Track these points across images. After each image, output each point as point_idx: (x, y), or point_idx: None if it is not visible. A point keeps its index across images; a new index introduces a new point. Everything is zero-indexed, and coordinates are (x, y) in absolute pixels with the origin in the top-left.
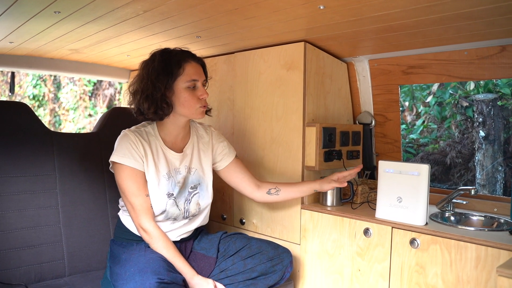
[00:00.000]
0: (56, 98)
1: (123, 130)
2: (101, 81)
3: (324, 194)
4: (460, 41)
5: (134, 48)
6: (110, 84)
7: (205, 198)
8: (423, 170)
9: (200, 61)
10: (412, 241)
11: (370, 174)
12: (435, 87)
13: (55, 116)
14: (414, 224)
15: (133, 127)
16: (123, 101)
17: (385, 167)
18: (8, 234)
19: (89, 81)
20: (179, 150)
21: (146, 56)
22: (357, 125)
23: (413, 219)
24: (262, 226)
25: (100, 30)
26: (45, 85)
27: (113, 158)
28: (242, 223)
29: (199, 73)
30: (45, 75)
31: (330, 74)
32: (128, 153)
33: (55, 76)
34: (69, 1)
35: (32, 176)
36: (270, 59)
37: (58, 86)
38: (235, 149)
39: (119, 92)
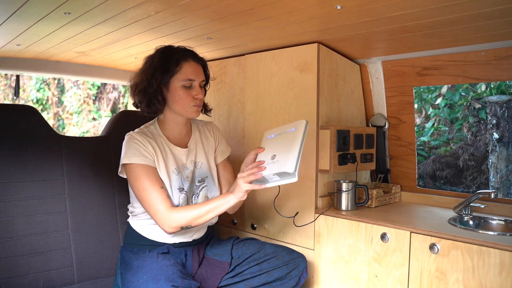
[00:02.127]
0: (59, 102)
1: (127, 133)
2: (105, 84)
3: (338, 198)
4: (478, 41)
5: (142, 50)
6: (114, 88)
7: (213, 190)
8: (300, 125)
9: (200, 62)
10: (432, 246)
11: (383, 177)
12: (444, 89)
13: (58, 120)
14: (283, 170)
15: (136, 129)
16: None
17: (267, 135)
18: (16, 241)
19: (93, 85)
20: (184, 145)
21: None
22: (371, 127)
23: (281, 167)
24: (274, 231)
25: (109, 31)
26: (49, 89)
27: (123, 160)
28: (254, 228)
29: (197, 73)
30: (48, 78)
31: (343, 76)
32: (137, 152)
33: (59, 80)
34: (80, 2)
35: (40, 181)
36: (282, 60)
37: (62, 90)
38: (247, 152)
39: (123, 96)
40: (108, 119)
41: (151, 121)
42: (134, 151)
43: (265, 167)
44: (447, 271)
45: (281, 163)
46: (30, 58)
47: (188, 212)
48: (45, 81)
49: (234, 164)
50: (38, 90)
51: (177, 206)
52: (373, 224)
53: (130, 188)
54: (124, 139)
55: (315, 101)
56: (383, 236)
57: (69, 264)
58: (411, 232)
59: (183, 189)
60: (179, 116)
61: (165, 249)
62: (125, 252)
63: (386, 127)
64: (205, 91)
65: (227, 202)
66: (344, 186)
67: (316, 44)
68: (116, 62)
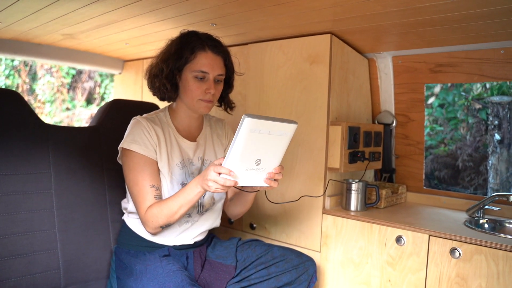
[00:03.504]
0: (31, 90)
1: (134, 117)
2: (80, 73)
3: (347, 198)
4: (499, 38)
5: (136, 35)
6: (90, 77)
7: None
8: (290, 131)
9: (221, 53)
10: (453, 251)
11: (388, 177)
12: (437, 88)
13: None
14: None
15: (144, 114)
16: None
17: (252, 125)
18: None
19: (67, 73)
20: (193, 139)
21: (146, 46)
22: (379, 125)
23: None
24: (276, 232)
25: (104, 12)
26: (19, 76)
27: (122, 144)
28: (253, 228)
29: (213, 65)
30: (19, 64)
31: (353, 70)
32: (139, 140)
33: (30, 66)
34: None
35: (24, 174)
36: (290, 51)
37: (33, 77)
38: None
39: (99, 86)
40: (82, 109)
41: (162, 108)
42: (137, 138)
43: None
44: (468, 277)
45: (265, 176)
46: (8, 39)
47: (161, 211)
48: (15, 67)
49: None
50: (7, 77)
51: None
52: (388, 226)
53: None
54: (116, 129)
55: (325, 95)
56: (398, 239)
57: (55, 267)
58: (429, 235)
59: (186, 184)
60: (189, 109)
61: (166, 251)
62: (121, 254)
63: (394, 124)
64: (231, 86)
65: (195, 193)
66: (354, 185)
67: (329, 34)
68: (104, 47)
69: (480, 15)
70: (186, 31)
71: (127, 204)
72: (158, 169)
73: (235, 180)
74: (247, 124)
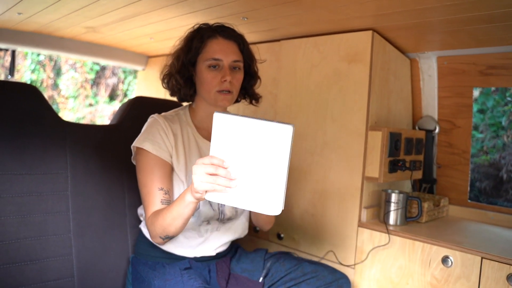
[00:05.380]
0: (55, 85)
1: (152, 115)
2: (104, 69)
3: (386, 211)
4: None
5: (162, 29)
6: (113, 73)
7: None
8: (286, 135)
9: (233, 38)
10: (510, 277)
11: (429, 188)
12: (476, 93)
13: (53, 104)
14: (264, 212)
15: (164, 113)
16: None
17: (224, 122)
18: (7, 245)
19: (91, 69)
20: None
21: (172, 41)
22: (420, 131)
23: (265, 207)
24: (305, 244)
25: (128, 3)
26: (44, 71)
27: (135, 142)
28: (280, 238)
29: (225, 51)
30: (44, 59)
31: (394, 71)
32: (153, 139)
33: (55, 61)
34: None
35: (40, 174)
36: (326, 49)
37: (58, 72)
38: None
39: (123, 82)
40: (105, 105)
41: (183, 106)
42: (150, 136)
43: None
44: None
45: (260, 199)
46: (30, 31)
47: (157, 220)
48: (41, 62)
49: None
50: (33, 71)
51: (197, 209)
52: (433, 244)
53: None
54: (138, 129)
55: (365, 98)
56: (445, 260)
57: (69, 275)
58: (482, 258)
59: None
60: (210, 106)
61: (186, 264)
62: (138, 265)
63: (436, 131)
64: (254, 77)
65: (187, 206)
66: (394, 197)
67: (370, 31)
68: (128, 42)
69: None
70: (197, 24)
71: (143, 209)
72: (171, 172)
73: (223, 167)
74: (216, 120)
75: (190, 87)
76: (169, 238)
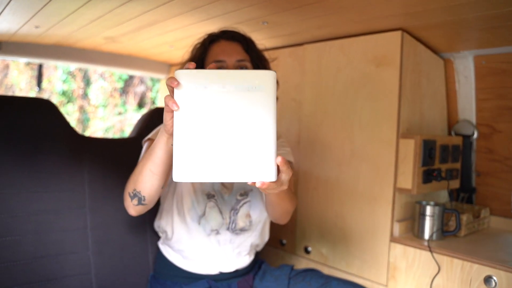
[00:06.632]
0: (85, 95)
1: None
2: (132, 77)
3: (420, 225)
4: None
5: (180, 37)
6: (141, 81)
7: (257, 209)
8: (268, 80)
9: (236, 39)
10: None
11: (467, 197)
12: None
13: (83, 114)
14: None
15: None
16: None
17: (188, 78)
18: (24, 265)
19: (120, 78)
20: None
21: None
22: (456, 137)
23: (256, 174)
24: (334, 259)
25: (143, 11)
26: (75, 81)
27: (143, 143)
28: (307, 252)
29: (228, 52)
30: (74, 70)
31: (427, 73)
32: (157, 130)
33: (85, 71)
34: None
35: (57, 192)
36: (352, 52)
37: (87, 82)
38: (302, 162)
39: (151, 90)
40: (134, 113)
41: None
42: (153, 132)
43: None
44: None
45: (248, 165)
46: (52, 44)
47: (130, 177)
48: (71, 73)
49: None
50: (64, 82)
51: (203, 216)
52: (474, 262)
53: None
54: None
55: (395, 103)
56: (487, 280)
57: None
58: None
59: (213, 196)
60: None
61: (205, 284)
62: (156, 285)
63: (475, 136)
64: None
65: (157, 143)
66: (429, 210)
67: (399, 31)
68: (148, 51)
69: None
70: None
71: (160, 220)
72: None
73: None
74: (178, 77)
75: None
76: (137, 197)
